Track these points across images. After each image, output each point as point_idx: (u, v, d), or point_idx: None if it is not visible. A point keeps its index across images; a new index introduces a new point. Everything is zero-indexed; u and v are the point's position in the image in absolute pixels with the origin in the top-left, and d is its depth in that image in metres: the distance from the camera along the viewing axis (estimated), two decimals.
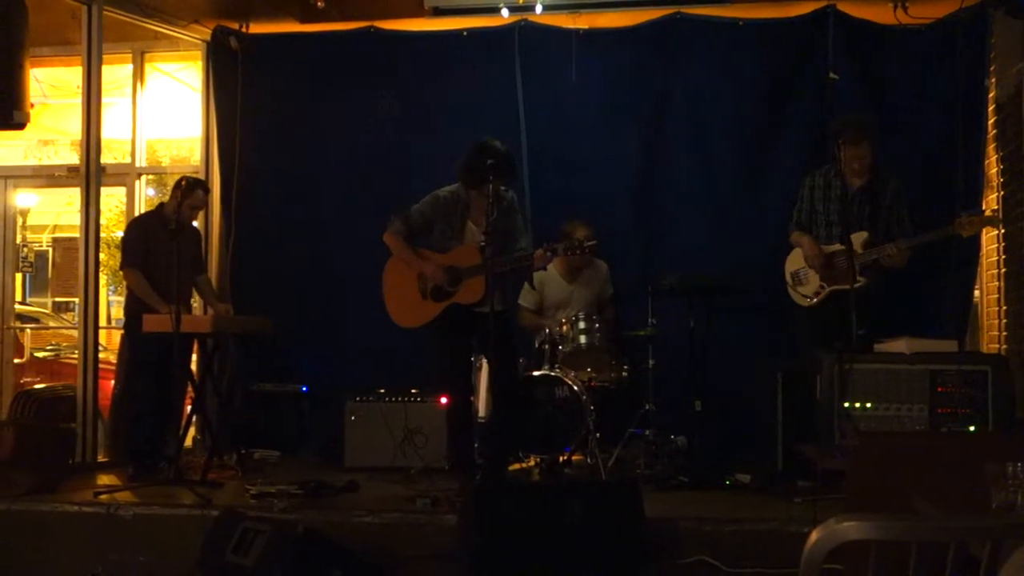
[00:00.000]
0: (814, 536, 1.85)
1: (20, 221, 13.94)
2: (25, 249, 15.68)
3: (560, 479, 6.02)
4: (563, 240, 5.75)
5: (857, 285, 5.86)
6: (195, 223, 6.97)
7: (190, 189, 6.58)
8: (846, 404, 4.59)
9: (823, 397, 4.78)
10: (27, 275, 17.19)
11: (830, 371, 4.69)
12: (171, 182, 12.87)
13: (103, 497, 5.55)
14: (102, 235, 7.42)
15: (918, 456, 2.54)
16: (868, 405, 4.68)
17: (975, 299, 7.12)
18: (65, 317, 15.17)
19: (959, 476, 2.49)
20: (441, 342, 5.92)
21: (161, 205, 6.63)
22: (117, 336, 8.03)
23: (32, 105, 7.11)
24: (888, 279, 6.12)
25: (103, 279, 13.11)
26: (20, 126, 6.15)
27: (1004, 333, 6.68)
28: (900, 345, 4.83)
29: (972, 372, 4.59)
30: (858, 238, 5.97)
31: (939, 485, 2.46)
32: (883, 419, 4.66)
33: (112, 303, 16.03)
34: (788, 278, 6.34)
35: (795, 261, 6.33)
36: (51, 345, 12.14)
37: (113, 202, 15.47)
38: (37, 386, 7.81)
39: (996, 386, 4.55)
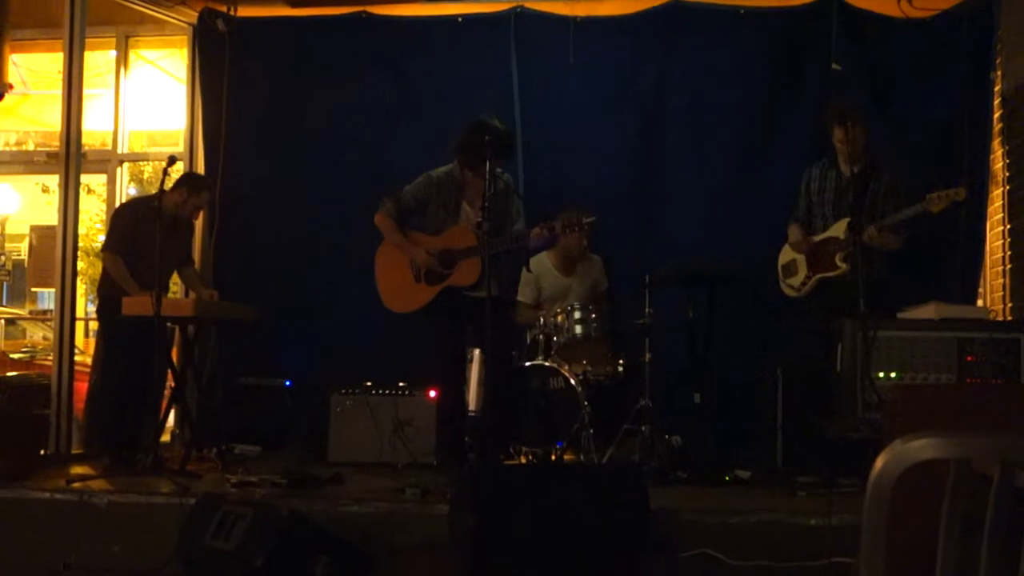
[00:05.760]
0: (880, 462, 1.63)
1: None
2: (3, 257, 15.47)
3: (559, 463, 5.80)
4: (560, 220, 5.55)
5: (837, 272, 5.80)
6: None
7: (196, 190, 6.42)
8: (880, 374, 4.37)
9: (845, 366, 4.57)
10: (4, 284, 16.96)
11: (852, 339, 4.49)
12: (152, 175, 12.70)
13: (76, 485, 5.27)
14: (80, 244, 7.22)
15: (962, 408, 2.34)
16: (892, 375, 4.47)
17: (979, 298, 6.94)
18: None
19: (1008, 427, 2.29)
20: (435, 328, 5.74)
21: (160, 194, 5.99)
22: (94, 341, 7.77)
23: (11, 86, 6.92)
24: (889, 268, 5.97)
25: (81, 287, 12.85)
26: None
27: None
28: (928, 311, 4.62)
29: (1003, 340, 4.37)
30: (841, 224, 5.91)
31: None
32: None
33: (91, 314, 15.75)
34: (780, 271, 6.28)
35: (786, 254, 6.28)
36: (26, 348, 11.91)
37: (94, 209, 15.24)
38: (10, 374, 7.53)
39: None
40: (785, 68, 7.02)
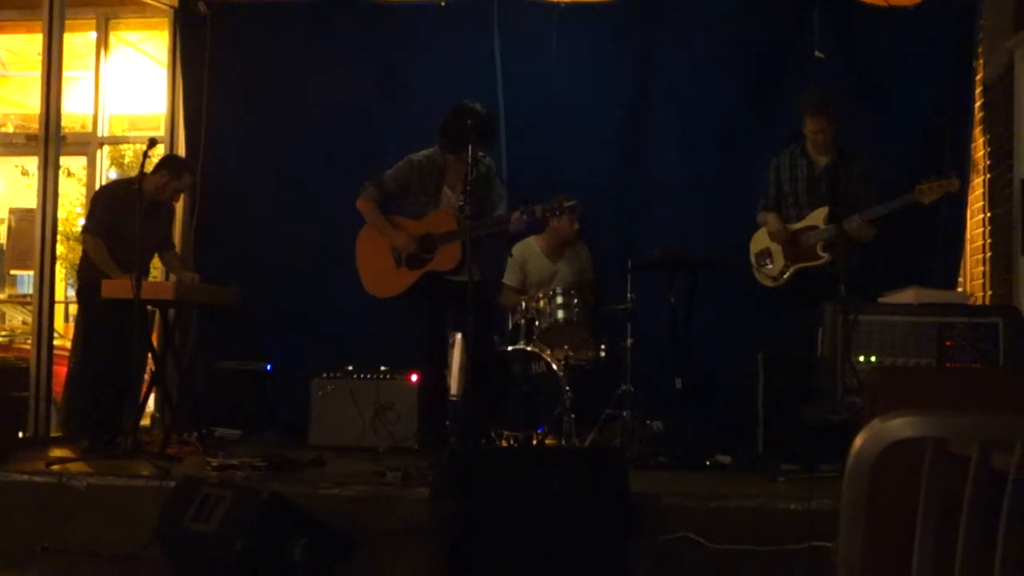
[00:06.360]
0: (859, 441, 1.63)
1: None
2: None
3: (539, 447, 5.80)
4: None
5: (819, 262, 5.81)
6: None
7: (177, 173, 6.38)
8: (860, 358, 4.38)
9: (826, 351, 4.57)
10: None
11: (833, 323, 4.48)
12: (132, 158, 12.61)
13: (55, 467, 5.24)
14: (60, 228, 7.14)
15: (941, 390, 2.34)
16: (872, 359, 4.47)
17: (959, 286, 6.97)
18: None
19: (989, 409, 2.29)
20: (416, 312, 5.73)
21: (141, 177, 5.98)
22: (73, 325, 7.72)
23: None
24: (862, 256, 5.96)
25: (61, 272, 12.76)
26: None
27: None
28: (908, 295, 4.62)
29: (982, 324, 4.37)
30: (819, 213, 5.91)
31: None
32: None
33: (70, 298, 15.62)
34: (753, 260, 6.26)
35: (759, 242, 6.25)
36: (5, 332, 11.83)
37: (74, 193, 15.14)
38: None
39: (1008, 339, 4.33)
40: (768, 55, 6.99)
